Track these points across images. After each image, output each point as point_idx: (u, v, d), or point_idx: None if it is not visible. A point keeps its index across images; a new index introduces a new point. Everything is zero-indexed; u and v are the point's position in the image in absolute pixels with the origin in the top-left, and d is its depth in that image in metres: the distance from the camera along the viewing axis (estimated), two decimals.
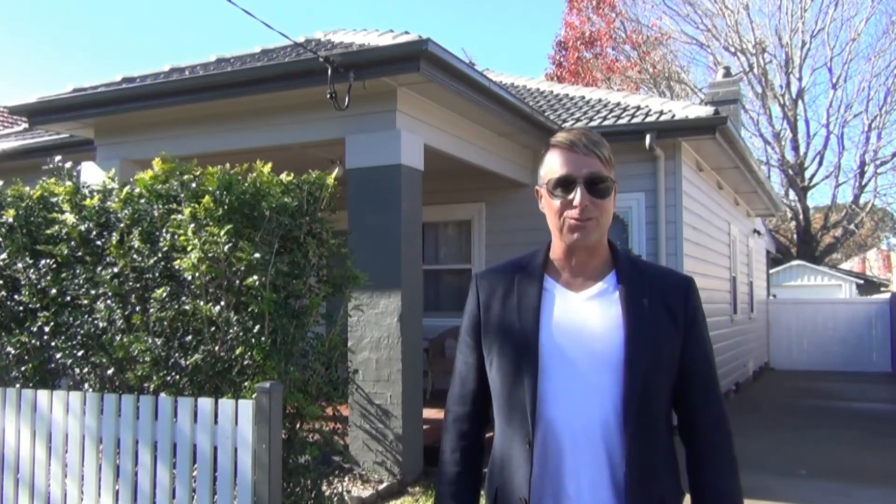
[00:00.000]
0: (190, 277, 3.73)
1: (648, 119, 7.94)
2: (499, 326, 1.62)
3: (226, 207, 3.72)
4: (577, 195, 1.53)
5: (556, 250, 1.64)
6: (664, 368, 1.54)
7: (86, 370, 4.04)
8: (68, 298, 4.11)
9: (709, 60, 24.32)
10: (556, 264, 1.64)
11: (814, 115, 40.15)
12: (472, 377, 1.69)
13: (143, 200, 3.98)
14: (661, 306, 1.56)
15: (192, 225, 3.68)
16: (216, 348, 3.75)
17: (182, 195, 3.85)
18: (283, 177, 3.94)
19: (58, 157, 4.56)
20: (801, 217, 22.61)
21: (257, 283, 3.64)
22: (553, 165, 1.57)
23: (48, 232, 4.18)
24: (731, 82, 12.53)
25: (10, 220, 4.31)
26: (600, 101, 9.34)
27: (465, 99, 6.21)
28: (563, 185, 1.54)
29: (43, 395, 3.69)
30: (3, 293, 4.37)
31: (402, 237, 5.79)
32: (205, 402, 3.25)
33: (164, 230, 3.85)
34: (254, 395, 3.19)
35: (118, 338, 3.86)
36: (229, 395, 3.65)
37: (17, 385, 4.18)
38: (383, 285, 5.67)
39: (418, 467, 5.87)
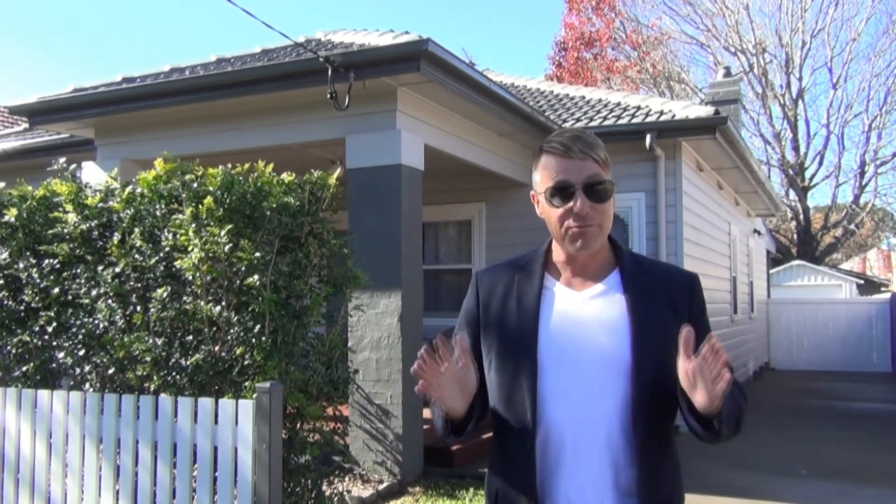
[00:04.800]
0: (191, 277, 3.74)
1: (648, 119, 7.94)
2: (498, 326, 1.60)
3: (227, 207, 3.72)
4: (577, 203, 1.48)
5: (557, 250, 1.61)
6: (670, 369, 1.51)
7: (87, 370, 4.05)
8: (70, 298, 4.12)
9: (709, 60, 24.34)
10: (557, 263, 1.62)
11: (814, 115, 40.01)
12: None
13: (144, 200, 3.98)
14: (665, 304, 1.55)
15: (194, 225, 3.69)
16: (217, 348, 3.76)
17: (184, 195, 3.85)
18: (285, 177, 3.95)
19: (62, 159, 4.57)
20: (801, 217, 22.60)
21: (258, 283, 3.65)
22: (549, 172, 1.53)
23: (50, 232, 4.19)
24: (731, 82, 12.53)
25: (13, 219, 4.32)
26: (600, 101, 9.35)
27: (465, 99, 6.21)
28: (562, 192, 1.50)
29: (43, 394, 3.69)
30: (6, 293, 4.38)
31: (403, 237, 5.79)
32: (205, 402, 3.25)
33: (165, 230, 3.85)
34: (254, 395, 3.19)
35: (119, 337, 3.86)
36: (230, 395, 3.66)
37: (19, 385, 4.18)
38: (383, 285, 5.67)
39: (418, 467, 5.87)
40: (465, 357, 1.45)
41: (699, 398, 1.34)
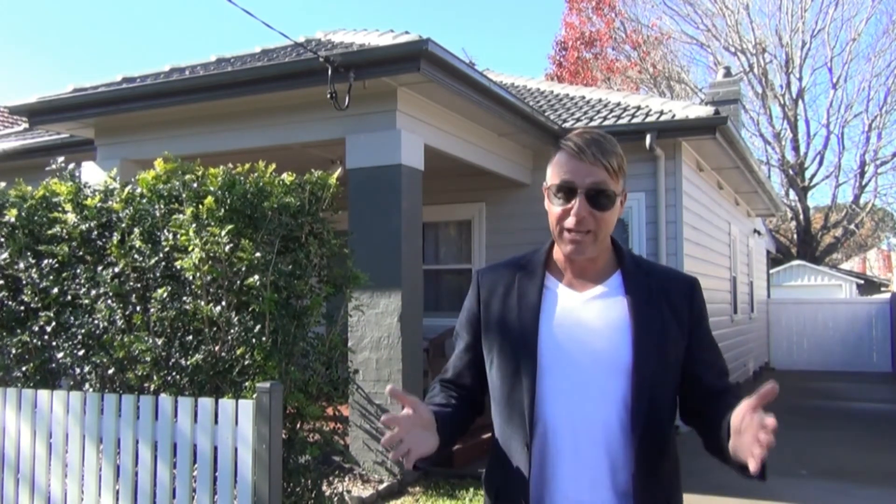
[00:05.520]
0: (191, 277, 3.73)
1: (648, 119, 7.94)
2: (499, 325, 1.60)
3: (227, 207, 3.72)
4: (576, 205, 1.49)
5: (558, 250, 1.62)
6: (670, 371, 1.53)
7: (86, 370, 4.05)
8: (69, 298, 4.11)
9: (709, 60, 24.32)
10: (558, 263, 1.63)
11: (814, 115, 40.09)
12: (467, 374, 1.68)
13: (144, 200, 3.98)
14: (666, 308, 1.55)
15: (194, 225, 3.69)
16: (217, 348, 3.75)
17: (184, 195, 3.85)
18: (286, 177, 3.95)
19: (61, 158, 4.57)
20: (801, 217, 22.60)
21: (258, 283, 3.65)
22: (558, 170, 1.54)
23: (50, 232, 4.19)
24: (731, 82, 12.52)
25: (13, 219, 4.32)
26: (600, 101, 9.34)
27: (465, 99, 6.21)
28: (564, 191, 1.51)
29: (43, 394, 3.69)
30: (5, 293, 4.38)
31: (402, 237, 5.79)
32: (205, 402, 3.25)
33: (165, 230, 3.85)
34: (254, 395, 3.19)
35: (119, 338, 3.86)
36: (230, 395, 3.65)
37: (19, 385, 4.19)
38: (383, 285, 5.67)
39: None
40: (405, 402, 1.45)
41: (735, 445, 1.34)
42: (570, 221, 1.50)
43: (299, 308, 3.89)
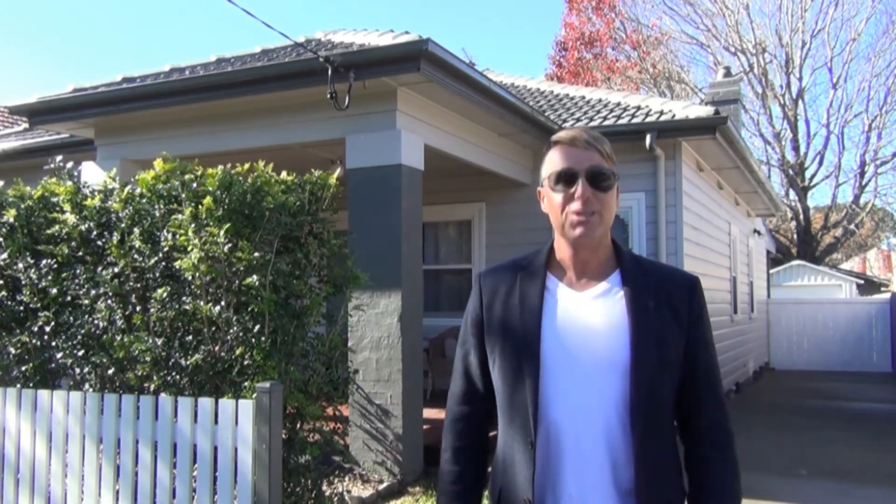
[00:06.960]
0: (190, 277, 3.73)
1: (649, 119, 7.94)
2: (501, 326, 1.61)
3: (226, 207, 3.72)
4: (578, 188, 1.52)
5: (560, 249, 1.63)
6: (669, 370, 1.53)
7: (86, 370, 4.04)
8: (69, 298, 4.11)
9: (709, 60, 24.34)
10: (559, 263, 1.63)
11: (814, 115, 40.14)
12: (474, 375, 1.69)
13: (144, 200, 3.98)
14: (665, 306, 1.55)
15: (193, 225, 3.68)
16: (216, 348, 3.75)
17: (183, 195, 3.85)
18: (285, 176, 3.95)
19: (59, 157, 4.56)
20: (801, 217, 22.61)
21: (257, 282, 3.65)
22: (554, 161, 1.58)
23: (49, 232, 4.18)
24: (731, 82, 12.52)
25: (11, 220, 4.31)
26: (600, 101, 9.34)
27: (465, 99, 6.21)
28: (565, 178, 1.54)
29: (44, 394, 3.69)
30: (4, 293, 4.38)
31: (403, 237, 5.79)
32: (205, 402, 3.25)
33: (164, 230, 3.85)
34: (254, 395, 3.19)
35: (119, 338, 3.86)
36: (230, 395, 3.65)
37: (18, 385, 4.18)
38: (383, 285, 5.67)
39: (418, 467, 5.87)
40: None
41: None
42: (575, 205, 1.53)
43: (299, 308, 3.89)
